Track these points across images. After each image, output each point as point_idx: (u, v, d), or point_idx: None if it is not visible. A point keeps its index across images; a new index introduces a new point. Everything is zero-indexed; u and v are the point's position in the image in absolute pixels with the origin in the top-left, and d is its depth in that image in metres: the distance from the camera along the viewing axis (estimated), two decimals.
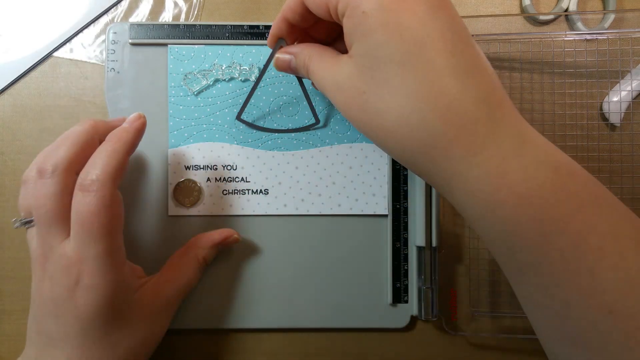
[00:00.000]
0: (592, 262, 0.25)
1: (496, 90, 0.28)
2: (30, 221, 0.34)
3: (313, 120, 0.42)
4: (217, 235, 0.40)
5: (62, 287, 0.32)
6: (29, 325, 0.34)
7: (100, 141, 0.35)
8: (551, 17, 0.43)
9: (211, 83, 0.41)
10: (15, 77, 0.43)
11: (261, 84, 0.42)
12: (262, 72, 0.39)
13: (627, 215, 0.27)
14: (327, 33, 0.36)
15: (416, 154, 0.29)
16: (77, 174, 0.33)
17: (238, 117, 0.41)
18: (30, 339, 0.34)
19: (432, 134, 0.27)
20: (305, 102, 0.42)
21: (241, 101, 0.42)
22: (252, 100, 0.42)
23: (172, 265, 0.39)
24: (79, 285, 0.32)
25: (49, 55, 0.43)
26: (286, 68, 0.36)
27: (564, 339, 0.27)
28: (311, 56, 0.34)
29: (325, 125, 0.42)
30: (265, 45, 0.42)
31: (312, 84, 0.35)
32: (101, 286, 0.32)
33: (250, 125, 0.42)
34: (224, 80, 0.42)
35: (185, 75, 0.41)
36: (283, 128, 0.42)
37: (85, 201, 0.31)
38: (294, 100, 0.42)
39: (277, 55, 0.36)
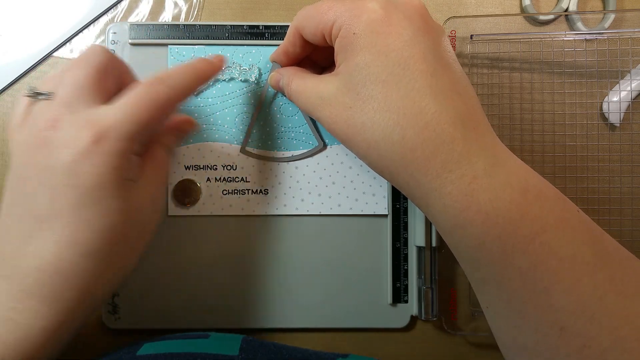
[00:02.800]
0: (548, 283, 0.27)
1: (474, 111, 0.30)
2: (44, 94, 0.32)
3: (316, 143, 0.42)
4: (174, 121, 0.39)
5: (71, 150, 0.29)
6: (6, 212, 0.31)
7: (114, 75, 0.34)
8: (551, 17, 0.43)
9: (211, 83, 0.41)
10: (15, 77, 0.43)
11: (261, 83, 0.42)
12: (260, 98, 0.42)
13: (591, 239, 0.28)
14: (325, 57, 0.39)
15: (397, 167, 0.30)
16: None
17: (242, 150, 0.41)
18: (7, 229, 0.31)
19: (412, 149, 0.29)
20: None
21: (241, 102, 0.42)
22: (252, 100, 0.42)
23: (148, 156, 0.35)
24: (95, 146, 0.29)
25: (49, 55, 0.43)
26: (276, 86, 0.39)
27: (518, 348, 0.29)
28: (291, 76, 0.37)
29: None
30: (265, 45, 0.42)
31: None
32: (115, 151, 0.30)
33: (257, 156, 0.42)
34: (224, 80, 0.42)
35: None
36: (288, 151, 0.42)
37: (156, 88, 0.32)
38: None
39: (271, 74, 0.40)
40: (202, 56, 0.41)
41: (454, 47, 0.43)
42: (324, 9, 0.32)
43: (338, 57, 0.32)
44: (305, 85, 0.35)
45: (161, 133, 0.37)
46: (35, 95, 0.32)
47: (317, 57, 0.39)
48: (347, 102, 0.31)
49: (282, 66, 0.39)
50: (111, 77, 0.33)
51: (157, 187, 0.35)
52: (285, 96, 0.39)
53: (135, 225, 0.32)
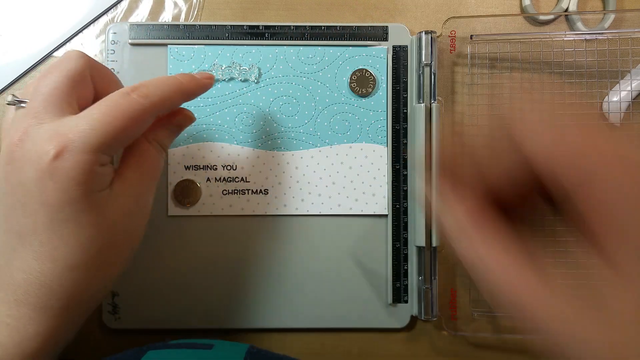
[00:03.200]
0: None
1: None
2: (23, 102, 0.31)
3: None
4: (169, 114, 0.36)
5: (35, 167, 0.28)
6: None
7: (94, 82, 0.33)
8: (551, 17, 0.43)
9: None
10: (15, 77, 0.43)
11: (261, 84, 0.42)
12: None
13: None
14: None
15: None
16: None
17: None
18: None
19: None
20: (305, 101, 0.42)
21: (241, 102, 0.42)
22: (252, 100, 0.42)
23: (131, 154, 0.34)
24: (56, 161, 0.28)
25: (49, 55, 0.43)
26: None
27: None
28: (470, 237, 0.24)
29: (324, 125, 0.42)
30: (265, 45, 0.42)
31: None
32: (78, 166, 0.28)
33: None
34: (224, 80, 0.42)
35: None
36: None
37: (129, 98, 0.30)
38: (294, 101, 0.42)
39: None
40: (202, 56, 0.41)
41: (453, 47, 0.43)
42: (579, 140, 0.22)
43: (613, 250, 0.20)
44: (506, 277, 0.22)
45: (152, 128, 0.34)
46: (16, 102, 0.31)
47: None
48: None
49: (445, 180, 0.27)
50: (87, 85, 0.32)
51: (144, 187, 0.33)
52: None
53: (116, 233, 0.31)
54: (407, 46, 0.42)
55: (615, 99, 0.44)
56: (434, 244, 0.41)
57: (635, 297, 0.19)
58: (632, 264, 0.20)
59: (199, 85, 0.34)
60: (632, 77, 0.44)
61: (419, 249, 0.41)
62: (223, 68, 0.41)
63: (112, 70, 0.41)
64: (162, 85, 0.32)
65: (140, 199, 0.33)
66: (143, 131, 0.32)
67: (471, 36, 0.43)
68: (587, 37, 0.44)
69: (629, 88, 0.43)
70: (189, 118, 0.36)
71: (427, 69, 0.41)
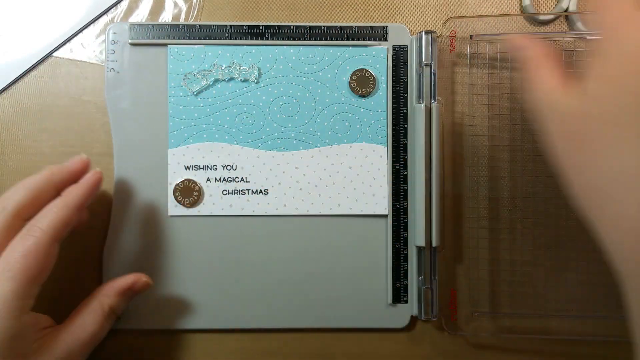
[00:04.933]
0: None
1: None
2: None
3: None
4: (122, 281, 0.38)
5: None
6: None
7: (57, 188, 0.36)
8: (551, 17, 0.43)
9: (211, 83, 0.41)
10: (15, 77, 0.43)
11: (261, 84, 0.42)
12: None
13: None
14: None
15: None
16: (27, 220, 0.34)
17: None
18: None
19: None
20: (305, 101, 0.42)
21: (241, 101, 0.42)
22: (252, 100, 0.42)
23: (76, 315, 0.36)
24: None
25: (49, 55, 0.43)
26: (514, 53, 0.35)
27: None
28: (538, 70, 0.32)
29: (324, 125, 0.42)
30: (265, 45, 0.42)
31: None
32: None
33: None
34: (224, 80, 0.42)
35: (185, 76, 0.41)
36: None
37: (21, 242, 0.32)
38: (294, 101, 0.42)
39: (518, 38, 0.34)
40: (202, 56, 0.41)
41: (453, 47, 0.43)
42: None
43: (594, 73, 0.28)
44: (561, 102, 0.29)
45: (103, 292, 0.37)
46: None
47: None
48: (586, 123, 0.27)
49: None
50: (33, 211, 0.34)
51: (77, 353, 0.35)
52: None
53: None
54: (407, 46, 0.42)
55: None
56: (434, 244, 0.41)
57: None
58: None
59: (86, 190, 0.36)
60: None
61: (419, 249, 0.41)
62: (223, 68, 0.41)
63: (112, 70, 0.41)
64: (50, 213, 0.34)
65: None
66: (54, 261, 0.34)
67: (471, 36, 0.43)
68: (587, 37, 0.44)
69: None
70: (146, 285, 0.38)
71: (427, 69, 0.41)
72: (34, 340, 0.34)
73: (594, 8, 0.28)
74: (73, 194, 0.35)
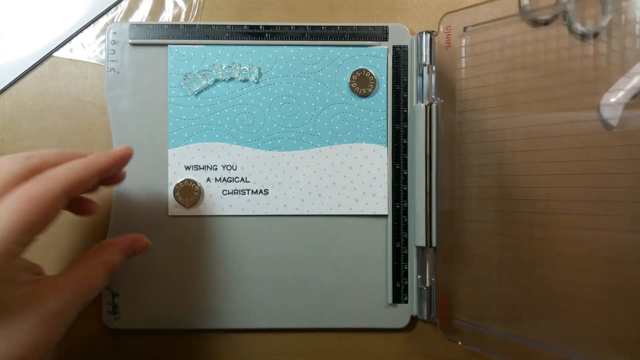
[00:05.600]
0: None
1: None
2: None
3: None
4: (123, 238, 0.37)
5: None
6: None
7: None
8: (549, 16, 0.44)
9: (211, 83, 0.41)
10: (15, 77, 0.43)
11: (261, 83, 0.42)
12: None
13: None
14: None
15: None
16: None
17: None
18: None
19: None
20: (305, 101, 0.42)
21: (241, 101, 0.42)
22: (252, 100, 0.42)
23: (76, 265, 0.34)
24: None
25: (49, 55, 0.43)
26: None
27: None
28: None
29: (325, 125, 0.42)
30: (265, 45, 0.42)
31: None
32: None
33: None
34: (224, 80, 0.42)
35: (185, 76, 0.41)
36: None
37: (32, 186, 0.30)
38: (294, 101, 0.42)
39: None
40: (202, 56, 0.41)
41: (449, 43, 0.43)
42: None
43: None
44: None
45: (105, 247, 0.36)
46: None
47: None
48: None
49: None
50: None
51: (72, 304, 0.32)
52: None
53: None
54: (407, 46, 0.42)
55: (612, 99, 0.44)
56: (434, 244, 0.41)
57: None
58: None
59: (111, 159, 0.35)
60: (630, 77, 0.44)
61: (419, 249, 0.42)
62: (223, 68, 0.41)
63: (112, 70, 0.41)
64: (68, 168, 0.32)
65: (62, 317, 0.32)
66: (57, 216, 0.32)
67: (465, 28, 0.43)
68: (585, 37, 0.44)
69: (626, 88, 0.44)
70: (146, 246, 0.38)
71: (427, 69, 0.41)
72: (22, 285, 0.31)
73: None
74: (97, 158, 0.34)
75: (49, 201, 0.30)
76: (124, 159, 0.35)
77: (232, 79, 0.42)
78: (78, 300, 0.33)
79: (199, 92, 0.41)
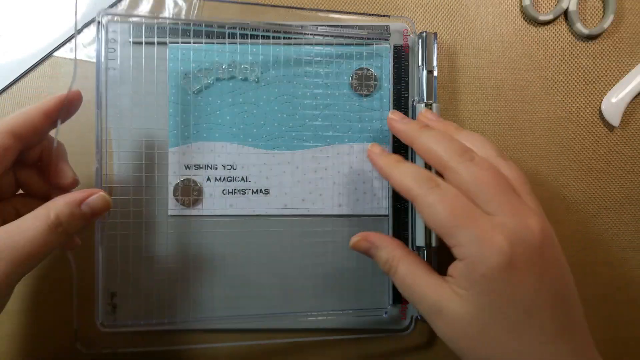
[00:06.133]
0: None
1: (586, 347, 0.32)
2: None
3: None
4: (77, 192, 0.33)
5: None
6: None
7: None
8: (551, 17, 0.44)
9: (211, 82, 0.41)
10: (15, 77, 0.43)
11: (262, 83, 0.42)
12: None
13: None
14: None
15: None
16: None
17: None
18: None
19: None
20: (306, 102, 0.42)
21: (241, 100, 0.42)
22: (252, 99, 0.42)
23: (19, 219, 0.31)
24: None
25: (49, 55, 0.43)
26: (363, 251, 0.37)
27: None
28: (397, 258, 0.35)
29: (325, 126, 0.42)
30: (265, 44, 0.42)
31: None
32: None
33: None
34: (224, 79, 0.41)
35: (185, 75, 0.41)
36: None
37: None
38: (295, 100, 0.42)
39: (356, 238, 0.37)
40: (202, 55, 0.41)
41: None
42: (449, 210, 0.31)
43: (462, 280, 0.31)
44: (418, 281, 0.33)
45: (52, 201, 0.32)
46: None
47: None
48: (468, 334, 0.31)
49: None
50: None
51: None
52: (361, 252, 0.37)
53: None
54: (408, 45, 0.42)
55: (614, 99, 0.44)
56: (434, 244, 0.41)
57: (464, 308, 0.31)
58: (469, 296, 0.31)
59: (58, 98, 0.34)
60: (631, 77, 0.44)
61: (419, 249, 0.41)
62: (223, 67, 0.41)
63: (113, 69, 0.41)
64: (19, 111, 0.33)
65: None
66: (9, 164, 0.33)
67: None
68: (587, 37, 0.44)
69: (628, 89, 0.44)
70: (104, 202, 0.34)
71: (427, 69, 0.41)
72: None
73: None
74: (45, 100, 0.34)
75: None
76: (70, 100, 0.35)
77: (232, 77, 0.42)
78: (13, 255, 0.30)
79: (199, 91, 0.41)
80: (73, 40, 0.43)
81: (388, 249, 0.35)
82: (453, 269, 0.32)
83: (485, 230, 0.30)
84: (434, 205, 0.31)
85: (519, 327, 0.30)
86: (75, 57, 0.36)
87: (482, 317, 0.31)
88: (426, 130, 0.36)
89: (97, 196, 0.33)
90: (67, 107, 0.34)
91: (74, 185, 0.35)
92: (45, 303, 0.42)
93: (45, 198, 0.34)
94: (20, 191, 0.37)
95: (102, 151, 0.39)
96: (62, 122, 0.35)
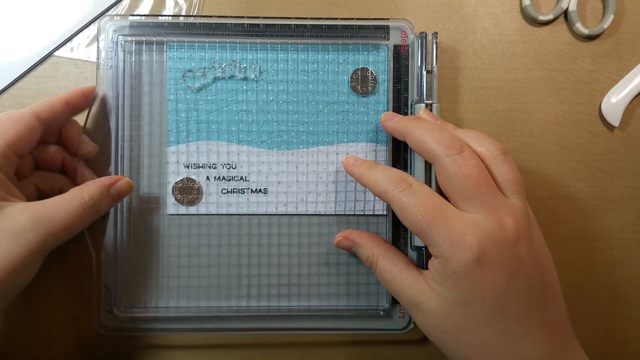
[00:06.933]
0: None
1: (564, 343, 0.33)
2: None
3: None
4: (105, 177, 0.37)
5: None
6: None
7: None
8: (551, 17, 0.44)
9: (210, 81, 0.41)
10: (15, 77, 0.43)
11: (261, 82, 0.42)
12: None
13: None
14: None
15: None
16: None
17: None
18: None
19: None
20: (305, 100, 0.42)
21: (241, 99, 0.41)
22: (252, 99, 0.42)
23: (55, 198, 0.35)
24: None
25: (49, 55, 0.43)
26: (346, 248, 0.40)
27: None
28: (377, 254, 0.37)
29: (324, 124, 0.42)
30: (265, 43, 0.41)
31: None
32: None
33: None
34: (224, 78, 0.41)
35: (185, 73, 0.41)
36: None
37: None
38: (294, 99, 0.42)
39: (338, 237, 0.40)
40: (202, 53, 0.41)
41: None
42: (422, 210, 0.33)
43: (437, 276, 0.33)
44: (397, 276, 0.35)
45: (84, 184, 0.36)
46: None
47: None
48: (442, 326, 0.33)
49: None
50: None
51: (44, 234, 0.33)
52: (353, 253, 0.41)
53: None
54: (408, 45, 0.42)
55: (614, 99, 0.44)
56: None
57: (437, 302, 0.33)
58: (441, 290, 0.32)
59: (78, 90, 0.39)
60: (631, 77, 0.44)
61: (419, 249, 0.41)
62: (223, 66, 0.41)
63: (112, 68, 0.41)
64: (43, 99, 0.38)
65: (31, 240, 0.32)
66: (34, 143, 0.37)
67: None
68: (587, 37, 0.44)
69: (628, 89, 0.44)
70: (129, 186, 0.38)
71: (427, 69, 0.41)
72: None
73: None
74: (65, 92, 0.39)
75: (24, 116, 0.35)
76: (86, 93, 0.40)
77: (232, 77, 0.42)
78: (49, 228, 0.32)
79: (199, 89, 0.41)
80: (73, 40, 0.43)
81: (368, 246, 0.38)
82: (430, 264, 0.34)
83: (456, 230, 0.31)
84: (407, 206, 0.33)
85: (490, 321, 0.31)
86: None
87: (454, 311, 0.32)
88: (416, 121, 0.37)
89: (123, 181, 0.38)
90: (84, 99, 0.40)
91: (94, 152, 0.40)
92: (44, 301, 0.42)
93: (61, 172, 0.40)
94: None
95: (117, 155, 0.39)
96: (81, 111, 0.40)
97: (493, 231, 0.31)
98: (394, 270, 0.35)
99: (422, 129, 0.35)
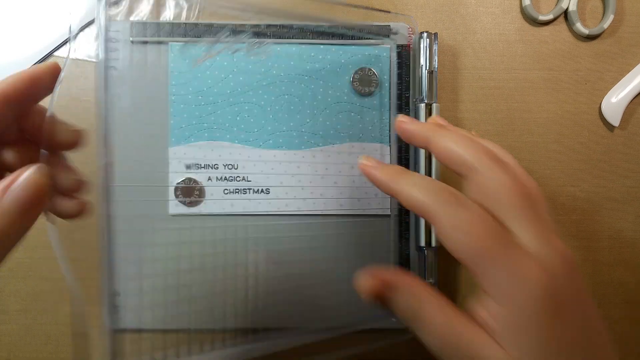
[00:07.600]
0: None
1: None
2: None
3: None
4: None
5: None
6: None
7: None
8: (551, 17, 0.44)
9: (211, 81, 0.41)
10: None
11: (263, 82, 0.42)
12: None
13: None
14: None
15: None
16: None
17: None
18: None
19: None
20: (307, 101, 0.42)
21: (243, 100, 0.41)
22: (253, 99, 0.42)
23: None
24: None
25: (49, 55, 0.43)
26: (373, 297, 0.33)
27: None
28: (422, 301, 0.29)
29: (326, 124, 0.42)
30: (267, 44, 0.41)
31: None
32: None
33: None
34: (225, 78, 0.41)
35: (186, 73, 0.41)
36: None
37: None
38: (296, 99, 0.42)
39: (361, 280, 0.33)
40: (203, 53, 0.41)
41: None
42: (477, 236, 0.26)
43: (506, 331, 0.26)
44: (451, 328, 0.27)
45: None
46: None
47: None
48: None
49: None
50: None
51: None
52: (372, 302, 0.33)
53: None
54: (409, 45, 0.42)
55: (614, 99, 0.44)
56: (434, 244, 0.41)
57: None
58: (512, 346, 0.25)
59: (44, 68, 0.32)
60: (631, 77, 0.44)
61: (421, 249, 0.41)
62: (224, 65, 0.41)
63: (113, 68, 0.41)
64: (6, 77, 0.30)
65: None
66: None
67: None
68: (587, 37, 0.44)
69: (628, 89, 0.44)
70: (36, 180, 0.27)
71: (428, 69, 0.41)
72: None
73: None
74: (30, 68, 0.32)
75: None
76: (51, 69, 0.32)
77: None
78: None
79: (200, 89, 0.41)
80: (73, 40, 0.43)
81: (408, 288, 0.30)
82: (487, 312, 0.27)
83: (521, 265, 0.25)
84: (459, 228, 0.26)
85: None
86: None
87: None
88: (443, 130, 0.32)
89: (24, 176, 0.27)
90: (51, 75, 0.32)
91: (77, 140, 0.34)
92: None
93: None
94: None
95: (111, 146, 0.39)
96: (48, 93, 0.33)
97: (556, 263, 0.26)
98: (451, 325, 0.28)
99: (451, 137, 0.30)
